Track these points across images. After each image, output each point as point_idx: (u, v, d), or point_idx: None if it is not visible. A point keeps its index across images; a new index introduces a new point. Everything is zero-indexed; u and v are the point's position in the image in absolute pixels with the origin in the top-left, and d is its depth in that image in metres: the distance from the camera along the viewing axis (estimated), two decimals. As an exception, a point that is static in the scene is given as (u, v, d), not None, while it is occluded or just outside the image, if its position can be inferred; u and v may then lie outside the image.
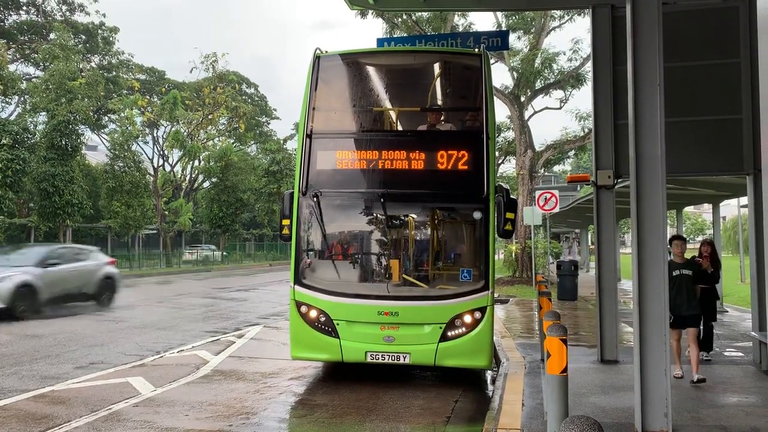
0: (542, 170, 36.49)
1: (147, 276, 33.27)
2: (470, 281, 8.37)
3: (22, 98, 38.01)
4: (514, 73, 29.10)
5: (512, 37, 31.57)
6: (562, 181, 59.67)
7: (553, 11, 28.31)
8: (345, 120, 9.50)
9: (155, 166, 45.00)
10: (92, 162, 44.45)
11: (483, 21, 61.93)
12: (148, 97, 47.67)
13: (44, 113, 31.63)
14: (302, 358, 8.69)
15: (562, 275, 19.89)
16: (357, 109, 9.42)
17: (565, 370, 5.45)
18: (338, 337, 8.20)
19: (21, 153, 28.15)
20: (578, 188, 54.93)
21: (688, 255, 8.71)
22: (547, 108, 32.74)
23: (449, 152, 8.33)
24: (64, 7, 43.96)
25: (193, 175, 51.88)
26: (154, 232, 44.95)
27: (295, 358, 8.69)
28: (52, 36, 38.84)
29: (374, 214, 8.66)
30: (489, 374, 9.55)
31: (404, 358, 8.11)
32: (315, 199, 8.48)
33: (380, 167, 8.47)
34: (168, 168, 48.01)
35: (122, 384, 8.52)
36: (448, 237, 9.20)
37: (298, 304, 8.42)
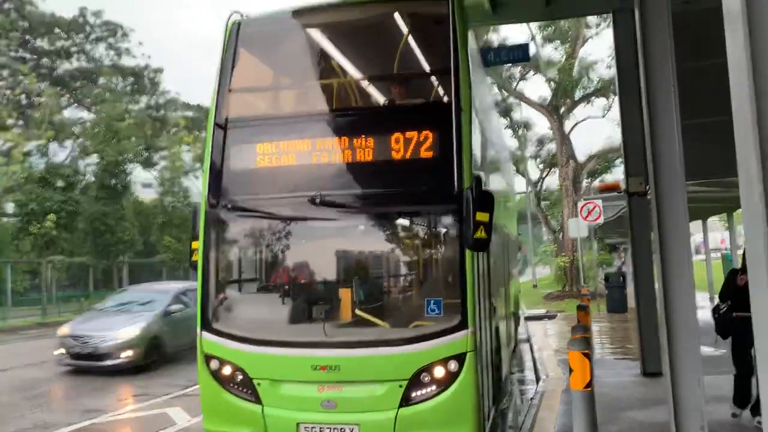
0: (589, 180, 35.84)
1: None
2: (440, 317, 5.78)
3: (76, 142, 39.61)
4: (552, 83, 28.80)
5: (549, 48, 31.39)
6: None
7: (588, 18, 28.03)
8: (271, 102, 7.40)
9: (204, 199, 45.99)
10: (147, 199, 45.85)
11: (517, 34, 61.44)
12: (196, 132, 49.00)
13: (95, 155, 32.89)
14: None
15: (611, 287, 19.42)
16: (288, 86, 7.48)
17: (589, 384, 5.30)
18: (260, 403, 5.91)
19: (73, 195, 29.30)
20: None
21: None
22: (590, 117, 32.37)
23: (407, 135, 5.94)
24: (111, 52, 45.79)
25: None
26: (206, 263, 45.81)
27: None
28: (101, 80, 40.46)
29: (306, 228, 6.42)
30: (532, 389, 9.34)
31: None
32: (228, 211, 6.36)
33: (315, 161, 6.21)
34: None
35: (160, 415, 8.67)
36: (408, 254, 6.59)
37: (208, 358, 6.15)
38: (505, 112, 33.05)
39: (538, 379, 9.72)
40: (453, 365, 5.57)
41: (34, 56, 38.96)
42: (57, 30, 38.82)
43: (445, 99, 6.17)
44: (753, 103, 2.25)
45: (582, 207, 20.08)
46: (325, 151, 6.20)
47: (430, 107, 6.67)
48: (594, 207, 19.77)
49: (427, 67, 7.30)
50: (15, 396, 10.25)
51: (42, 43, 39.46)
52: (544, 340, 13.98)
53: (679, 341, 5.67)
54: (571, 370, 5.36)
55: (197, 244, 6.38)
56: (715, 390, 6.83)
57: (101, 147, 31.52)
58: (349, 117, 6.79)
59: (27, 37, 37.30)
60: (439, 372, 5.58)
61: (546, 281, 36.77)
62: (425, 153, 5.91)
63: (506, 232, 10.82)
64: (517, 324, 13.89)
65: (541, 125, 42.30)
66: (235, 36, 6.68)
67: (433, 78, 7.09)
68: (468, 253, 5.68)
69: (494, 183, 8.82)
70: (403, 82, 6.92)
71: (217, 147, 6.42)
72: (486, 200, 5.62)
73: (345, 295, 6.17)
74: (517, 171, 33.59)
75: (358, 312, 6.06)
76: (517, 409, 8.59)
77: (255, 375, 5.92)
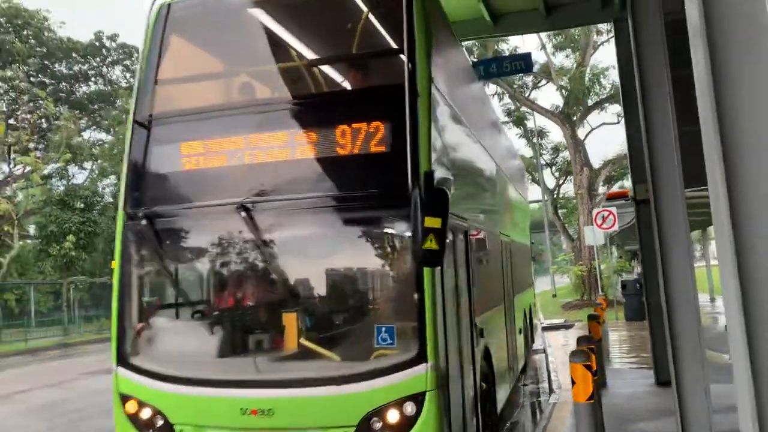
0: (606, 187, 35.59)
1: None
2: (393, 347, 4.68)
3: (94, 164, 40.28)
4: (563, 91, 28.74)
5: (560, 56, 31.36)
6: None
7: (599, 26, 27.99)
8: (201, 94, 6.24)
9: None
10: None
11: (526, 44, 60.93)
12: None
13: (113, 176, 33.45)
14: None
15: (628, 295, 19.19)
16: (222, 75, 6.42)
17: (591, 397, 5.25)
18: None
19: (92, 216, 29.80)
20: (648, 202, 53.05)
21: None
22: (604, 123, 32.17)
23: (353, 126, 4.92)
24: (128, 74, 46.57)
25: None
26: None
27: None
28: (119, 102, 41.14)
29: (237, 242, 5.31)
30: (546, 400, 9.27)
31: None
32: (148, 224, 5.30)
33: (248, 162, 5.19)
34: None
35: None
36: (355, 271, 5.40)
37: (124, 399, 5.17)
38: (519, 121, 33.01)
39: (551, 391, 9.64)
40: (409, 408, 4.53)
41: (53, 81, 39.79)
42: (74, 54, 39.63)
43: (395, 82, 5.03)
44: (715, 114, 2.25)
45: (597, 214, 19.92)
46: (261, 150, 5.12)
47: (379, 92, 5.43)
48: (609, 215, 19.59)
49: (380, 48, 5.87)
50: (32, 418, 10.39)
51: (60, 68, 40.33)
52: (561, 350, 13.86)
53: (683, 350, 5.62)
54: (573, 383, 5.31)
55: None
56: (728, 400, 6.71)
57: (119, 168, 32.03)
58: (290, 107, 5.64)
59: (45, 62, 38.13)
60: (392, 416, 4.53)
61: (565, 290, 36.47)
62: (376, 147, 4.87)
63: (509, 239, 10.29)
64: (529, 340, 13.29)
65: (557, 133, 42.15)
66: (164, 20, 5.77)
67: (388, 60, 5.72)
68: (425, 268, 4.60)
69: (491, 185, 8.50)
70: (354, 65, 5.82)
71: (136, 149, 5.49)
72: (438, 202, 4.56)
73: (280, 323, 5.14)
74: (533, 179, 33.45)
75: (297, 343, 5.03)
76: (525, 422, 8.53)
77: (176, 420, 4.98)
